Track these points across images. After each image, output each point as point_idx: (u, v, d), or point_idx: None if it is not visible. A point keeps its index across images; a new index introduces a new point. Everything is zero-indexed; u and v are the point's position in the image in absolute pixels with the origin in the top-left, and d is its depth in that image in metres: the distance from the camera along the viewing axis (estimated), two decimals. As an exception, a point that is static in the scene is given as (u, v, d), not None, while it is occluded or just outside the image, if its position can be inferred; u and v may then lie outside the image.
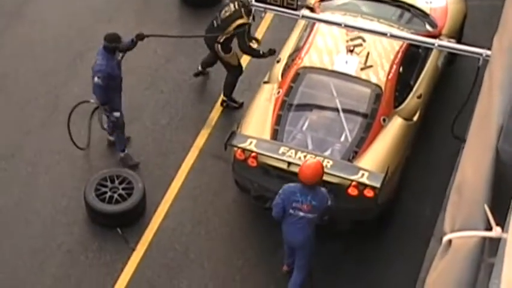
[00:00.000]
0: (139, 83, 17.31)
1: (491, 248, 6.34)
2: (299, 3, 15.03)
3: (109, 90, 15.48)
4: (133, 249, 15.19)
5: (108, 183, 15.57)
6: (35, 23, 19.15)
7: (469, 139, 7.95)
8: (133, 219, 15.56)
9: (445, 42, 15.45)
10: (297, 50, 15.89)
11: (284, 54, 16.16)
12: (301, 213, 13.34)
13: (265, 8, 14.95)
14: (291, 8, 14.78)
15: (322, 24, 15.87)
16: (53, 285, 14.87)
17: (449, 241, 6.48)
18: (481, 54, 13.84)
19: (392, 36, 15.03)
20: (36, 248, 15.32)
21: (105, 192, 15.46)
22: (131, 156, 16.33)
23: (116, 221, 15.43)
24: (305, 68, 15.41)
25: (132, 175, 15.70)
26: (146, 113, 17.05)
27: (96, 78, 15.25)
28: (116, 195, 15.45)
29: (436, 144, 16.16)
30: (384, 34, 15.04)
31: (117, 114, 15.72)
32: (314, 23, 16.03)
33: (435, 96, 16.33)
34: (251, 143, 14.51)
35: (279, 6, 14.79)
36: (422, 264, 13.38)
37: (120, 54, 15.65)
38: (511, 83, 6.87)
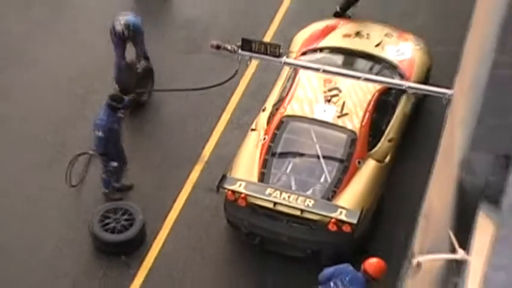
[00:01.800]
0: (134, 126, 17.31)
1: (456, 269, 6.45)
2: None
3: (109, 143, 15.63)
4: (135, 274, 15.27)
5: (112, 215, 15.65)
6: (39, 63, 19.07)
7: (434, 171, 8.10)
8: (134, 247, 15.62)
9: (413, 84, 15.66)
10: (280, 100, 16.08)
11: (269, 104, 16.33)
12: None
13: (251, 56, 15.14)
14: (274, 55, 14.97)
15: (303, 77, 16.19)
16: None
17: (419, 263, 6.60)
18: (445, 94, 14.04)
19: (367, 79, 15.19)
20: (42, 278, 15.35)
21: (109, 223, 15.55)
22: (114, 191, 16.39)
23: (119, 249, 15.53)
24: (288, 116, 15.60)
25: (133, 207, 15.79)
26: (143, 152, 17.08)
27: (97, 132, 15.44)
28: (118, 226, 15.54)
29: (409, 174, 16.27)
30: (358, 78, 15.19)
31: (114, 163, 15.87)
32: (295, 76, 16.28)
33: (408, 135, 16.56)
34: (240, 185, 14.71)
35: (263, 53, 14.98)
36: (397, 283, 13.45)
37: (122, 112, 15.73)
38: (471, 121, 7.01)
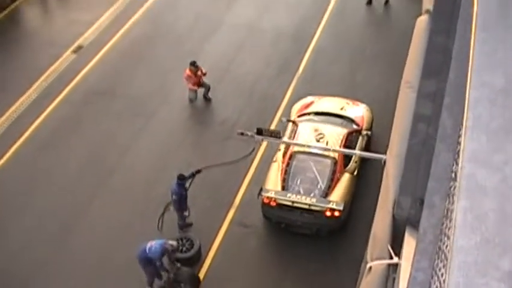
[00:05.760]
0: (192, 188, 16.48)
1: (393, 268, 6.43)
2: (285, 119, 17.08)
3: (181, 203, 15.79)
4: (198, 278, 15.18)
5: (180, 241, 15.62)
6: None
7: (377, 207, 8.10)
8: (195, 261, 15.52)
9: (363, 153, 15.81)
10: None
11: (281, 146, 16.78)
12: None
13: (263, 139, 15.36)
14: (276, 137, 15.23)
15: (301, 128, 17.05)
16: None
17: (370, 267, 6.60)
18: (382, 158, 14.07)
19: (334, 150, 15.95)
20: (139, 275, 15.25)
21: (179, 246, 15.51)
22: (183, 227, 16.33)
23: (186, 262, 15.34)
24: (295, 151, 16.23)
25: (193, 236, 15.76)
26: (197, 203, 16.79)
27: (173, 196, 15.66)
28: (184, 248, 15.51)
29: (366, 181, 16.36)
30: (328, 149, 15.88)
31: (185, 213, 16.09)
32: (297, 128, 17.11)
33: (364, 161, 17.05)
34: (272, 193, 15.62)
35: (270, 136, 15.23)
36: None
37: (189, 182, 15.84)
38: (398, 177, 7.02)
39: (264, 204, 15.83)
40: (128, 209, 16.90)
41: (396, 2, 25.23)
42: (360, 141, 17.07)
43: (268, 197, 15.60)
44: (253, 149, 15.93)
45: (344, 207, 15.19)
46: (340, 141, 16.49)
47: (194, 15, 25.03)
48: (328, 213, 15.23)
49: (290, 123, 17.62)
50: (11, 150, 18.98)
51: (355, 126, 17.41)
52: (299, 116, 17.97)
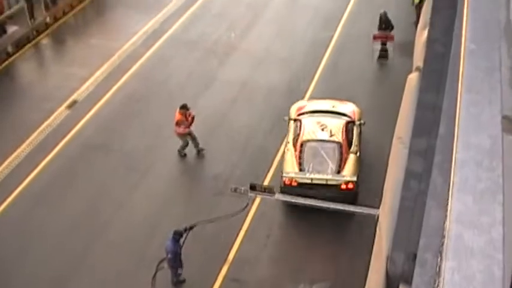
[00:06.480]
0: (185, 247, 16.39)
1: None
2: (286, 117, 19.99)
3: (176, 260, 15.71)
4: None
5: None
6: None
7: (371, 264, 8.11)
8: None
9: (357, 208, 15.69)
10: (296, 135, 18.91)
11: (289, 139, 19.05)
12: None
13: (256, 194, 15.33)
14: (270, 193, 15.24)
15: (305, 122, 19.30)
16: None
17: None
18: (375, 213, 14.06)
19: (331, 207, 15.60)
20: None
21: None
22: (176, 284, 16.28)
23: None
24: (304, 140, 18.57)
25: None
26: (190, 259, 16.51)
27: (169, 255, 15.58)
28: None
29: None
30: (327, 207, 15.49)
31: (180, 271, 16.03)
32: (301, 123, 19.24)
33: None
34: (292, 173, 17.79)
35: (263, 192, 15.23)
36: None
37: (182, 240, 15.71)
38: (391, 233, 7.06)
39: (285, 185, 17.69)
40: (122, 263, 16.80)
41: (389, 58, 25.62)
42: (356, 130, 19.53)
43: (289, 178, 17.65)
44: (247, 204, 15.90)
45: (357, 179, 17.52)
46: (341, 129, 18.93)
47: (187, 71, 25.38)
48: (343, 186, 17.57)
49: (292, 121, 19.77)
50: (4, 204, 18.94)
51: (348, 118, 19.80)
52: (298, 115, 20.13)
